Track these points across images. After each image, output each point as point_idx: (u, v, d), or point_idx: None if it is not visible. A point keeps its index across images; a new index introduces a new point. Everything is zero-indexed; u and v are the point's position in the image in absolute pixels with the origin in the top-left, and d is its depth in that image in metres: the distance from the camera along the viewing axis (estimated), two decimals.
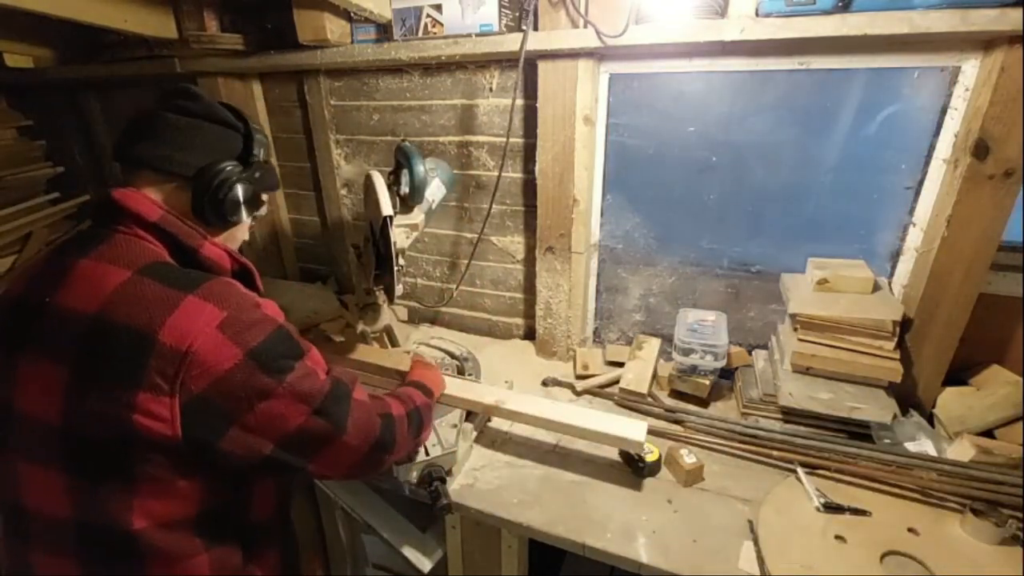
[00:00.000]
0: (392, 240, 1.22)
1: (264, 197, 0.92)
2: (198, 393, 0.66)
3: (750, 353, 1.46)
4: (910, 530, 0.98)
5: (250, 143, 0.87)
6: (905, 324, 1.23)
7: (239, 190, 0.84)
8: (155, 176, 0.80)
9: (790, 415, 1.26)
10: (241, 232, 0.94)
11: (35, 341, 0.69)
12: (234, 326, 0.68)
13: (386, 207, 1.20)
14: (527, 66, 1.35)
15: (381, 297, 1.52)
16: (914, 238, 1.26)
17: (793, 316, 1.24)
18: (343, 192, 1.83)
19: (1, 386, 0.71)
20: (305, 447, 0.75)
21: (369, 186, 1.26)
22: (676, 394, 1.42)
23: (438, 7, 1.38)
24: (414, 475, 1.09)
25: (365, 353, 1.36)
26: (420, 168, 1.29)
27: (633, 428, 1.13)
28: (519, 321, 1.77)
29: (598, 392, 1.45)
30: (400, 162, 1.31)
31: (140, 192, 0.78)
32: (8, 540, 0.75)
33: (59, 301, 0.69)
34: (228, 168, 0.82)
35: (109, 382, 0.65)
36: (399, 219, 1.30)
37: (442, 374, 1.27)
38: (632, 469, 1.16)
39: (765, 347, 1.44)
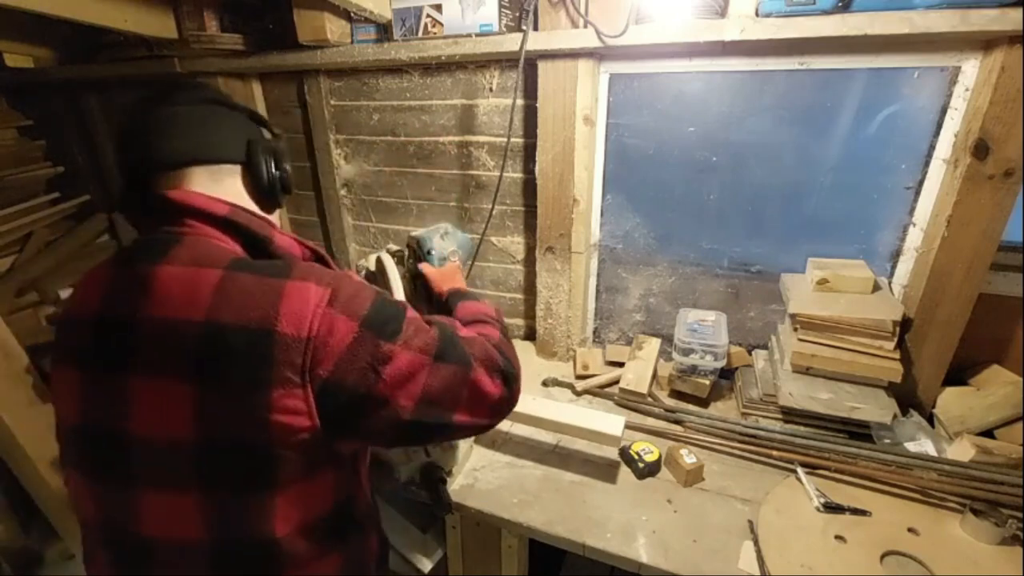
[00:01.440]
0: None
1: None
2: (327, 376, 0.62)
3: (750, 353, 1.46)
4: (910, 530, 0.98)
5: (261, 122, 0.85)
6: (905, 324, 1.23)
7: (286, 163, 0.82)
8: (203, 170, 0.75)
9: (790, 415, 1.26)
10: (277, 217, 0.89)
11: (141, 360, 0.64)
12: (341, 300, 0.65)
13: (399, 295, 1.11)
14: (527, 66, 1.36)
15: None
16: (914, 238, 1.26)
17: (793, 316, 1.24)
18: (343, 192, 1.83)
19: (108, 413, 0.65)
20: (443, 398, 0.70)
21: (380, 270, 1.16)
22: (676, 394, 1.42)
23: (438, 7, 1.38)
24: (414, 475, 1.09)
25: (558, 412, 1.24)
26: (434, 259, 1.18)
27: (610, 423, 1.13)
28: (519, 321, 1.77)
29: (598, 392, 1.45)
30: (414, 249, 1.21)
31: (193, 189, 0.73)
32: (120, 570, 0.71)
33: (155, 313, 0.64)
34: (270, 143, 0.80)
35: (239, 387, 0.61)
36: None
37: (457, 271, 1.16)
38: (632, 469, 1.16)
39: (765, 347, 1.44)
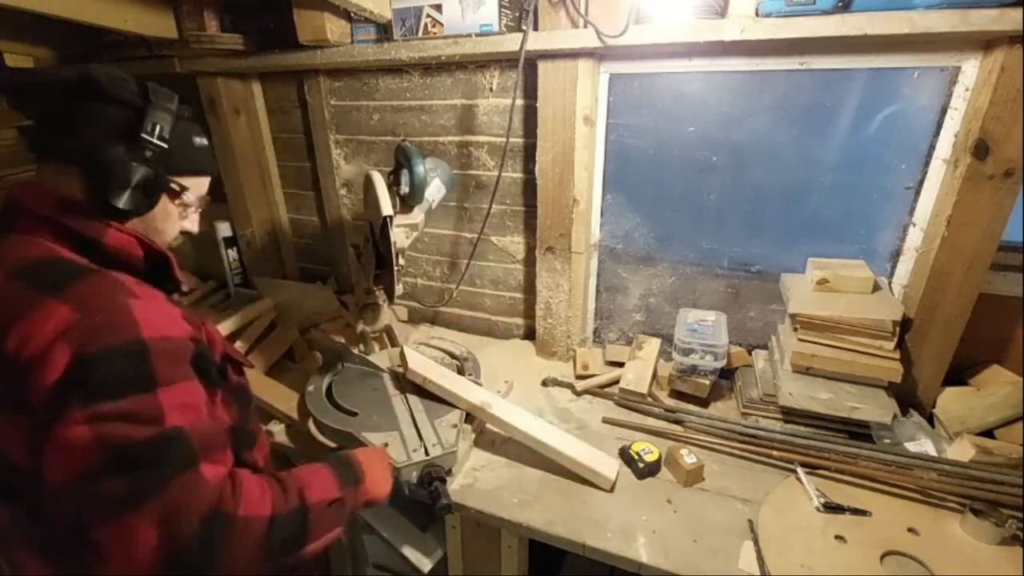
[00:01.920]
0: (392, 240, 1.22)
1: (186, 181, 0.84)
2: (37, 408, 0.59)
3: (750, 353, 1.46)
4: (910, 530, 0.98)
5: (141, 120, 0.77)
6: (905, 324, 1.23)
7: (131, 173, 0.75)
8: (54, 166, 0.76)
9: (790, 415, 1.26)
10: (164, 221, 0.84)
11: None
12: (80, 330, 0.60)
13: (386, 207, 1.20)
14: (527, 66, 1.36)
15: (381, 297, 1.52)
16: (914, 238, 1.26)
17: (793, 316, 1.24)
18: (343, 192, 1.83)
19: None
20: (88, 510, 0.58)
21: (369, 186, 1.26)
22: (676, 394, 1.42)
23: (438, 7, 1.38)
24: (414, 475, 1.09)
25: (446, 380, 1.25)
26: (420, 168, 1.29)
27: (605, 464, 1.13)
28: (519, 321, 1.77)
29: (598, 392, 1.45)
30: (400, 162, 1.32)
31: (39, 184, 0.74)
32: None
33: None
34: (112, 149, 0.74)
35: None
36: (399, 219, 1.30)
37: (388, 481, 0.98)
38: (632, 469, 1.16)
39: (765, 347, 1.44)
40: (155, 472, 0.59)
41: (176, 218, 0.86)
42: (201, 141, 0.87)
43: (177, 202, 0.84)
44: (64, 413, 0.57)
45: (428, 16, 1.40)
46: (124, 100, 0.77)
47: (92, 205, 0.75)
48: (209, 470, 0.64)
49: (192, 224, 0.89)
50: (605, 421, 1.33)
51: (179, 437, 0.62)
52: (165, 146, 0.79)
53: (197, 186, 0.87)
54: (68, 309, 0.61)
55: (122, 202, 0.75)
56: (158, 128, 0.78)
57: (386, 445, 1.13)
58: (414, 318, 1.91)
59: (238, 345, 1.57)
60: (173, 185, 0.82)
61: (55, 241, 0.72)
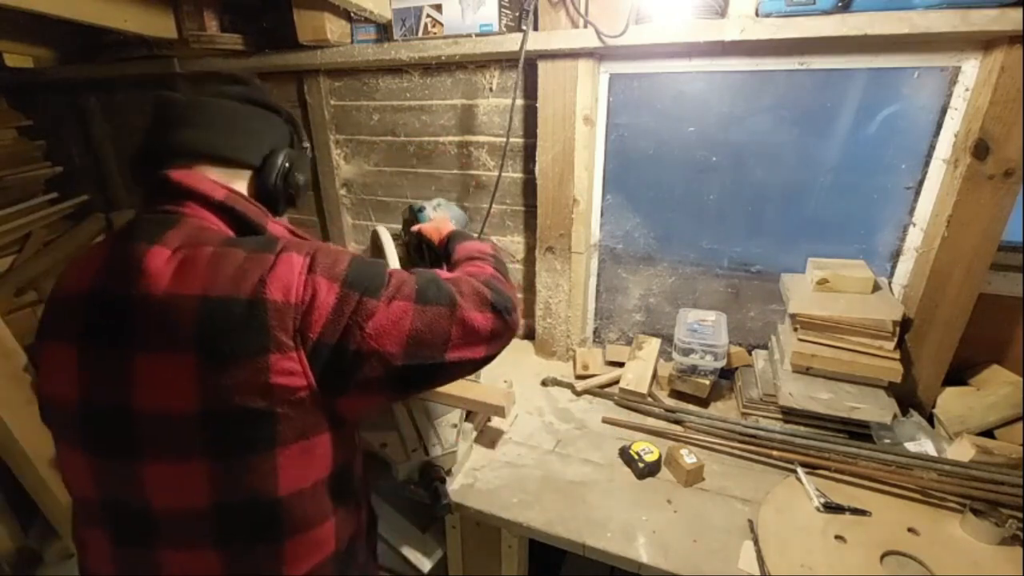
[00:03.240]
0: None
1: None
2: (316, 338, 0.65)
3: (750, 353, 1.46)
4: (910, 530, 0.98)
5: (297, 129, 0.89)
6: (905, 324, 1.23)
7: (301, 177, 0.86)
8: (212, 165, 0.78)
9: (790, 415, 1.26)
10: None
11: (139, 337, 0.65)
12: (321, 264, 0.68)
13: (393, 263, 1.18)
14: (527, 66, 1.36)
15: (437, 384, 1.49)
16: (914, 238, 1.26)
17: (793, 316, 1.24)
18: (343, 192, 1.83)
19: (109, 389, 0.66)
20: (432, 339, 0.71)
21: (376, 243, 1.24)
22: (676, 394, 1.42)
23: (438, 7, 1.38)
24: (414, 475, 1.09)
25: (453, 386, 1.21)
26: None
27: (499, 396, 1.17)
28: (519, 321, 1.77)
29: (598, 392, 1.45)
30: (408, 220, 1.29)
31: (200, 173, 0.76)
32: (123, 549, 0.71)
33: (151, 291, 0.64)
34: (292, 155, 0.84)
35: (238, 355, 0.63)
36: None
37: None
38: (632, 469, 1.16)
39: (765, 347, 1.44)
40: (441, 288, 0.75)
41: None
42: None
43: (300, 202, 0.93)
44: (367, 312, 0.67)
45: (428, 16, 1.40)
46: (276, 108, 0.86)
47: (262, 202, 0.81)
48: (447, 274, 0.83)
49: None
50: (605, 421, 1.33)
51: (421, 272, 0.78)
52: (299, 165, 0.88)
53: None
54: (299, 256, 0.68)
55: (298, 203, 0.89)
56: (304, 138, 0.91)
57: (384, 445, 1.13)
58: None
59: None
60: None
61: (223, 227, 0.75)
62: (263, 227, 0.77)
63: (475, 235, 1.06)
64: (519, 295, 1.72)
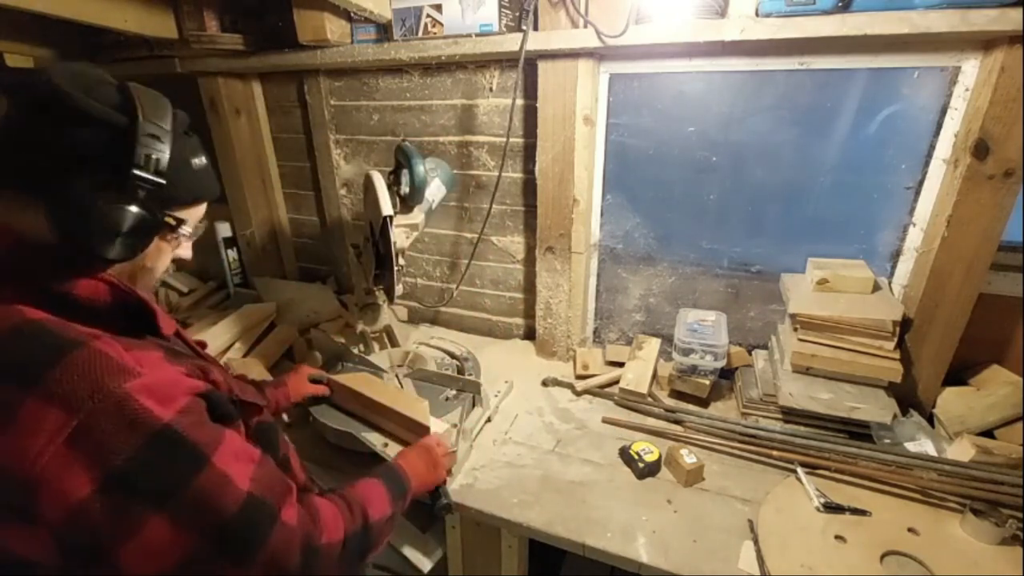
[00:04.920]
0: (392, 240, 1.22)
1: (183, 213, 0.70)
2: (58, 526, 0.52)
3: (750, 353, 1.46)
4: (910, 530, 0.98)
5: (132, 144, 0.61)
6: (905, 324, 1.23)
7: (118, 218, 0.61)
8: (13, 195, 0.60)
9: (790, 415, 1.26)
10: (155, 259, 0.71)
11: None
12: (89, 436, 0.52)
13: (386, 207, 1.20)
14: (527, 66, 1.35)
15: (381, 297, 1.52)
16: (914, 238, 1.26)
17: (793, 316, 1.24)
18: (342, 192, 1.83)
19: None
20: None
21: (369, 186, 1.26)
22: (676, 394, 1.42)
23: (438, 7, 1.38)
24: None
25: (379, 392, 1.18)
26: (420, 168, 1.29)
27: (422, 414, 1.10)
28: (519, 321, 1.77)
29: (598, 392, 1.45)
30: (400, 162, 1.32)
31: None
32: None
33: None
34: (91, 186, 0.60)
35: None
36: (399, 219, 1.30)
37: (445, 458, 1.06)
38: (632, 469, 1.16)
39: (765, 347, 1.44)
40: (252, 538, 0.59)
41: (168, 252, 0.73)
42: (200, 161, 0.71)
43: (171, 236, 0.71)
44: (128, 523, 0.53)
45: (428, 16, 1.40)
46: (104, 119, 0.60)
47: (65, 251, 0.60)
48: (287, 513, 0.64)
49: (186, 251, 0.76)
50: (605, 421, 1.33)
51: (258, 498, 0.61)
52: (162, 182, 0.63)
53: (195, 214, 0.73)
54: (59, 412, 0.51)
55: (110, 253, 0.61)
56: (152, 159, 0.62)
57: (386, 445, 1.13)
58: (414, 318, 1.91)
59: (237, 346, 1.57)
60: (168, 220, 0.68)
61: (12, 290, 0.58)
62: (64, 293, 0.60)
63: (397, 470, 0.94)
64: (520, 295, 1.72)
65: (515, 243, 1.66)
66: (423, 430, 1.09)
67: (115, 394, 0.54)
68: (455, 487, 1.12)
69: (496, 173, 1.48)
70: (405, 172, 1.29)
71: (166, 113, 0.66)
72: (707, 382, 1.35)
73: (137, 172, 0.61)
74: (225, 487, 0.58)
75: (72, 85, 0.60)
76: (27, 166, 0.60)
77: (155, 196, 0.64)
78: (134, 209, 0.62)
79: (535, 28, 1.30)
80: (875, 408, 1.15)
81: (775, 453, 1.15)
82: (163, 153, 0.63)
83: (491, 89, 1.49)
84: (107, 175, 0.61)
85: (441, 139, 1.61)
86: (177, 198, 0.68)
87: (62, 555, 0.53)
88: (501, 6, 1.32)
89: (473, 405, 1.31)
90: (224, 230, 1.93)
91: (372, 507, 0.80)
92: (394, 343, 1.56)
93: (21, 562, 0.54)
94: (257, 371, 1.45)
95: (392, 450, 1.11)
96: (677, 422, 1.30)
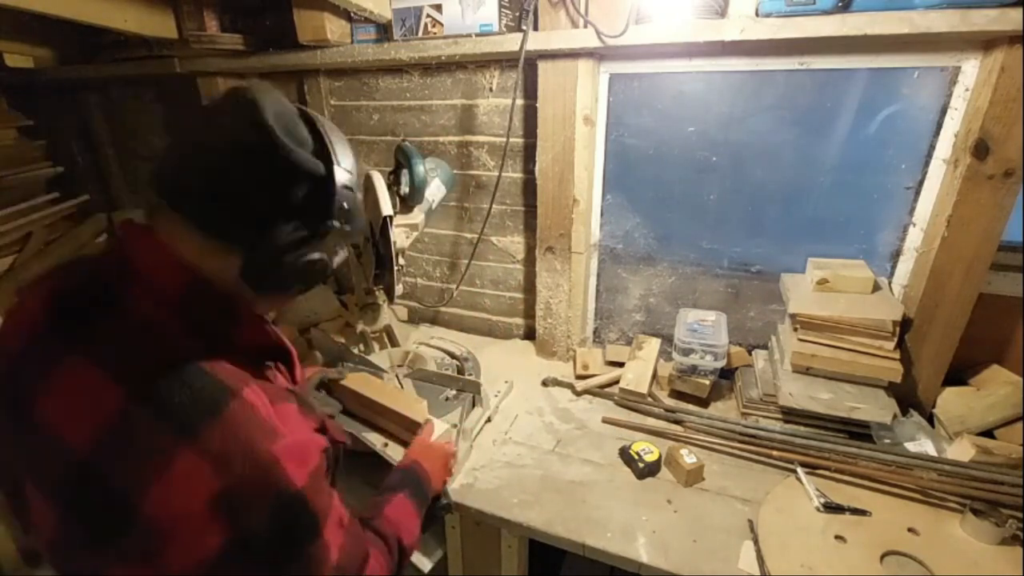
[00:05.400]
0: (392, 240, 1.22)
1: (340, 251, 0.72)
2: (176, 574, 0.54)
3: (750, 353, 1.46)
4: (910, 530, 0.97)
5: (329, 199, 0.62)
6: (905, 324, 1.23)
7: (306, 263, 0.63)
8: (193, 228, 0.60)
9: (790, 415, 1.26)
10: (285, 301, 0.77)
11: (27, 458, 0.57)
12: (231, 501, 0.53)
13: (386, 207, 1.20)
14: (527, 66, 1.35)
15: (381, 297, 1.52)
16: (914, 238, 1.26)
17: (793, 316, 1.24)
18: None
19: (11, 465, 0.59)
20: None
21: (368, 186, 1.26)
22: (676, 394, 1.42)
23: (438, 7, 1.38)
24: None
25: (378, 392, 1.18)
26: (420, 168, 1.29)
27: (419, 411, 1.10)
28: (519, 321, 1.77)
29: (598, 392, 1.45)
30: (400, 162, 1.32)
31: (167, 248, 0.60)
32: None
33: (46, 415, 0.55)
34: (283, 238, 0.61)
35: (94, 540, 0.54)
36: (399, 219, 1.30)
37: (450, 454, 1.07)
38: (632, 469, 1.16)
39: (765, 347, 1.44)
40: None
41: None
42: (360, 200, 0.71)
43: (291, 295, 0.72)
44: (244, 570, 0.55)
45: (428, 16, 1.40)
46: (311, 171, 0.61)
47: (246, 293, 0.63)
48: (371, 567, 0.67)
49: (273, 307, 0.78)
50: (605, 421, 1.33)
51: (343, 567, 0.62)
52: (349, 230, 0.65)
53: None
54: (210, 470, 0.53)
55: (288, 296, 0.67)
56: (345, 210, 0.64)
57: (386, 445, 1.13)
58: (414, 318, 1.91)
59: None
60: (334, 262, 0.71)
61: (173, 320, 0.59)
62: (227, 336, 0.63)
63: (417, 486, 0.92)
64: (520, 295, 1.72)
65: (515, 243, 1.66)
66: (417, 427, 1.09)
67: (264, 460, 0.55)
68: (455, 487, 1.12)
69: (496, 173, 1.48)
70: (405, 172, 1.29)
71: (349, 154, 0.67)
72: (707, 382, 1.35)
73: (333, 223, 0.64)
74: (325, 558, 0.60)
75: (283, 131, 0.59)
76: (233, 215, 0.60)
77: (337, 243, 0.67)
78: (317, 256, 0.65)
79: (535, 28, 1.30)
80: (875, 408, 1.15)
81: (775, 453, 1.15)
82: (353, 204, 0.66)
83: (491, 89, 1.49)
84: (306, 225, 0.62)
85: (441, 139, 1.61)
86: (346, 240, 0.70)
87: None
88: (501, 6, 1.32)
89: (473, 405, 1.31)
90: None
91: (405, 534, 0.80)
92: (394, 343, 1.56)
93: None
94: None
95: (392, 450, 1.11)
96: (677, 422, 1.30)
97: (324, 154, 0.63)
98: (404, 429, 1.12)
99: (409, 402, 1.16)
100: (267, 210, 0.60)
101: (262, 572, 0.56)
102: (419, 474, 0.94)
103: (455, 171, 1.62)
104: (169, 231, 0.61)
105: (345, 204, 0.65)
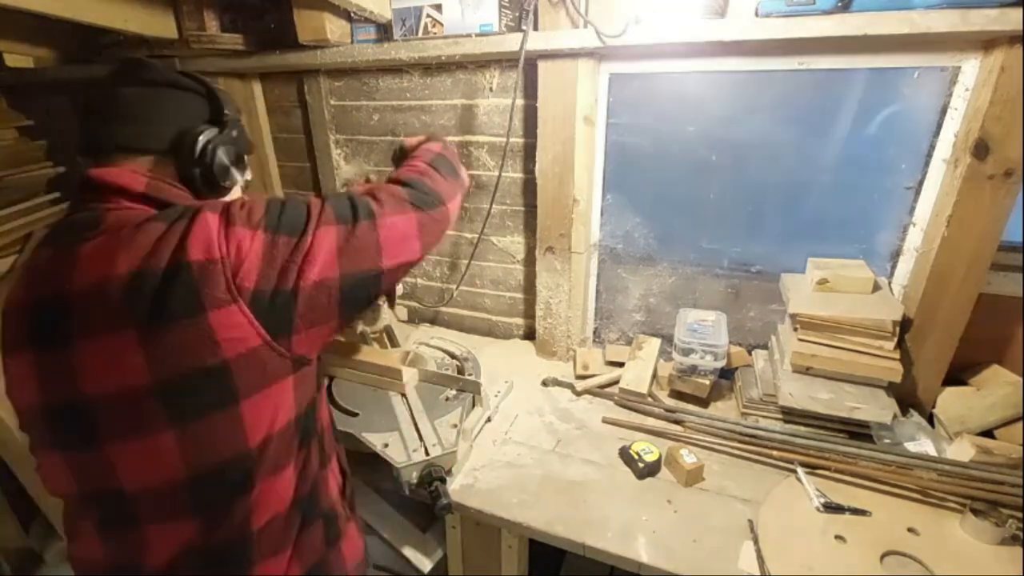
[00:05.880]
0: None
1: (246, 159, 0.89)
2: (253, 288, 0.65)
3: (750, 353, 1.46)
4: (910, 530, 0.98)
5: (217, 102, 0.83)
6: (905, 324, 1.23)
7: (222, 153, 0.80)
8: (130, 156, 0.76)
9: (790, 415, 1.26)
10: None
11: (78, 326, 0.66)
12: (236, 216, 0.68)
13: None
14: (527, 66, 1.35)
15: (381, 297, 1.51)
16: (914, 238, 1.26)
17: (793, 316, 1.24)
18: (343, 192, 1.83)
19: (62, 385, 0.67)
20: (365, 254, 0.73)
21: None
22: (676, 394, 1.42)
23: (438, 7, 1.38)
24: (414, 475, 1.09)
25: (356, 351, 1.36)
26: None
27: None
28: (519, 321, 1.77)
29: (598, 392, 1.45)
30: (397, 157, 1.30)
31: (119, 167, 0.74)
32: (108, 531, 0.72)
33: (82, 280, 0.66)
34: (205, 131, 0.79)
35: (178, 321, 0.63)
36: None
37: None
38: (632, 469, 1.16)
39: (765, 347, 1.44)
40: (357, 205, 0.76)
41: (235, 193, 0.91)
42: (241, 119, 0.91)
43: (244, 181, 0.89)
44: (297, 250, 0.68)
45: (428, 16, 1.40)
46: (190, 87, 0.81)
47: (188, 187, 0.79)
48: (362, 188, 0.84)
49: (237, 193, 0.92)
50: (605, 421, 1.33)
51: (332, 195, 0.78)
52: (240, 126, 0.85)
53: (247, 165, 0.92)
54: (213, 214, 0.67)
55: (222, 182, 0.81)
56: (231, 110, 0.84)
57: (386, 446, 1.13)
58: (414, 318, 1.91)
59: None
60: (246, 163, 0.88)
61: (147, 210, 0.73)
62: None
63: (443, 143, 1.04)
64: (520, 295, 1.72)
65: (515, 243, 1.66)
66: (396, 374, 1.30)
67: (236, 199, 0.76)
68: (455, 487, 1.12)
69: (496, 173, 1.48)
70: None
71: (217, 87, 0.87)
72: (707, 382, 1.35)
73: (227, 116, 0.82)
74: (324, 200, 0.76)
75: (162, 66, 0.81)
76: (158, 129, 0.77)
77: (238, 140, 0.84)
78: (233, 147, 0.83)
79: (535, 28, 1.30)
80: (875, 408, 1.15)
81: (775, 453, 1.15)
82: (233, 107, 0.86)
83: (491, 89, 1.49)
84: (212, 125, 0.80)
85: None
86: (245, 144, 0.88)
87: (261, 320, 0.65)
88: (501, 6, 1.32)
89: (473, 405, 1.32)
90: None
91: (422, 153, 0.97)
92: (394, 343, 1.56)
93: (232, 345, 0.64)
94: None
95: (393, 451, 1.11)
96: (677, 422, 1.30)
97: (199, 81, 0.83)
98: (381, 376, 1.34)
99: (383, 355, 1.37)
100: (173, 116, 0.78)
101: (295, 238, 0.69)
102: (416, 143, 1.05)
103: None
104: (115, 165, 0.75)
105: (234, 108, 0.85)
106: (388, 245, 0.76)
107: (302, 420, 0.76)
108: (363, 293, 0.75)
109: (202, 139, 0.78)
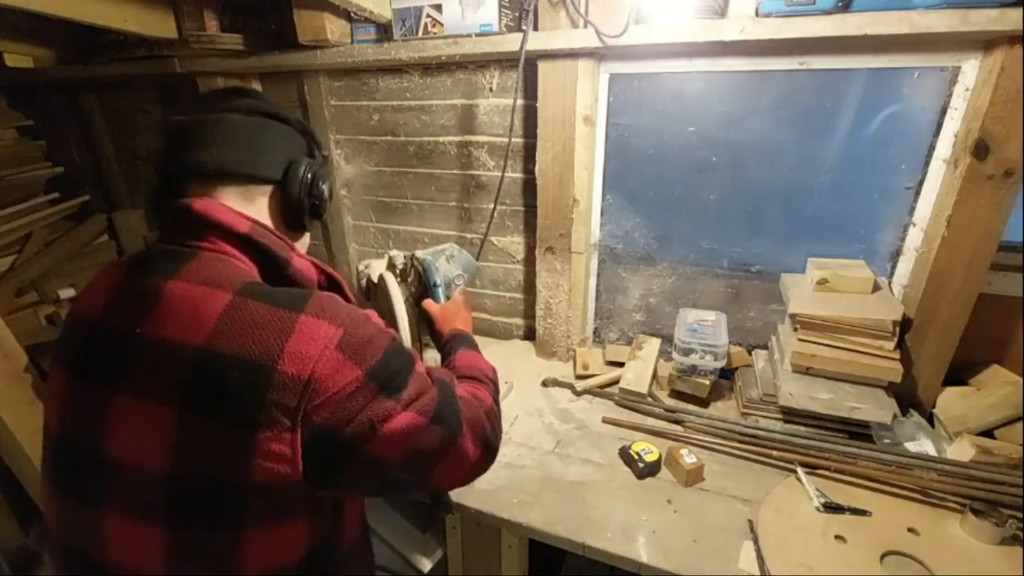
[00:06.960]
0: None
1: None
2: (320, 423, 0.59)
3: (750, 353, 1.46)
4: (910, 530, 0.98)
5: (313, 137, 0.84)
6: (905, 324, 1.23)
7: (325, 186, 0.81)
8: (231, 184, 0.73)
9: (790, 415, 1.26)
10: (307, 239, 0.88)
11: (129, 379, 0.61)
12: (352, 344, 0.62)
13: (403, 321, 1.12)
14: (527, 66, 1.35)
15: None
16: (914, 238, 1.26)
17: (793, 316, 1.24)
18: (343, 192, 1.83)
19: (87, 428, 0.63)
20: (428, 459, 0.69)
21: (383, 291, 1.16)
22: (676, 394, 1.42)
23: (438, 7, 1.38)
24: None
25: None
26: (440, 292, 1.20)
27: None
28: (519, 321, 1.77)
29: (598, 392, 1.45)
30: (417, 271, 1.22)
31: (220, 202, 0.70)
32: None
33: (154, 331, 0.61)
34: (310, 163, 0.79)
35: (225, 423, 0.58)
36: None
37: (460, 301, 1.19)
38: (632, 469, 1.16)
39: (765, 347, 1.44)
40: (454, 410, 0.73)
41: (308, 236, 0.89)
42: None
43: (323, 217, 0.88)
44: (383, 414, 0.63)
45: (428, 16, 1.40)
46: (288, 119, 0.81)
47: (282, 223, 0.79)
48: (460, 389, 0.80)
49: (303, 246, 0.88)
50: (605, 421, 1.33)
51: (441, 378, 0.76)
52: (320, 174, 0.82)
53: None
54: (327, 324, 0.62)
55: (322, 214, 0.83)
56: (319, 147, 0.86)
57: None
58: None
59: None
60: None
61: (247, 262, 0.70)
62: (287, 261, 0.72)
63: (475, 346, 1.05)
64: (520, 295, 1.72)
65: (515, 243, 1.66)
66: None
67: (357, 311, 0.67)
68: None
69: (495, 173, 1.48)
70: (420, 283, 1.21)
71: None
72: (707, 382, 1.35)
73: (319, 154, 0.85)
74: (423, 376, 0.73)
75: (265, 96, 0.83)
76: (267, 159, 0.77)
77: (329, 174, 0.87)
78: (327, 182, 0.83)
79: (535, 28, 1.30)
80: (875, 408, 1.15)
81: (775, 453, 1.15)
82: (319, 144, 0.88)
83: (491, 89, 1.49)
84: (314, 162, 0.81)
85: (441, 139, 1.61)
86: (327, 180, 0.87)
87: (305, 460, 0.60)
88: (501, 6, 1.32)
89: None
90: None
91: (484, 370, 0.96)
92: None
93: (259, 479, 0.59)
94: None
95: None
96: (677, 422, 1.30)
97: (289, 115, 0.83)
98: None
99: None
100: (281, 147, 0.78)
101: (390, 400, 0.64)
102: (457, 333, 1.07)
103: (455, 171, 1.62)
104: (213, 195, 0.72)
105: (319, 144, 0.87)
106: (447, 464, 0.72)
107: (312, 560, 0.69)
108: (400, 488, 0.75)
109: (311, 171, 0.78)
